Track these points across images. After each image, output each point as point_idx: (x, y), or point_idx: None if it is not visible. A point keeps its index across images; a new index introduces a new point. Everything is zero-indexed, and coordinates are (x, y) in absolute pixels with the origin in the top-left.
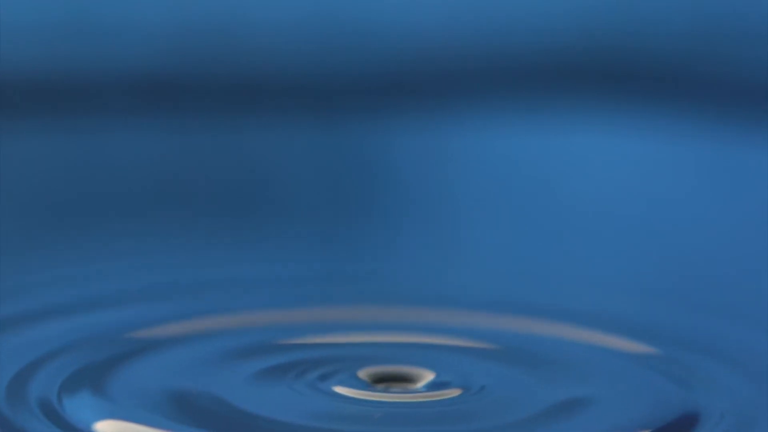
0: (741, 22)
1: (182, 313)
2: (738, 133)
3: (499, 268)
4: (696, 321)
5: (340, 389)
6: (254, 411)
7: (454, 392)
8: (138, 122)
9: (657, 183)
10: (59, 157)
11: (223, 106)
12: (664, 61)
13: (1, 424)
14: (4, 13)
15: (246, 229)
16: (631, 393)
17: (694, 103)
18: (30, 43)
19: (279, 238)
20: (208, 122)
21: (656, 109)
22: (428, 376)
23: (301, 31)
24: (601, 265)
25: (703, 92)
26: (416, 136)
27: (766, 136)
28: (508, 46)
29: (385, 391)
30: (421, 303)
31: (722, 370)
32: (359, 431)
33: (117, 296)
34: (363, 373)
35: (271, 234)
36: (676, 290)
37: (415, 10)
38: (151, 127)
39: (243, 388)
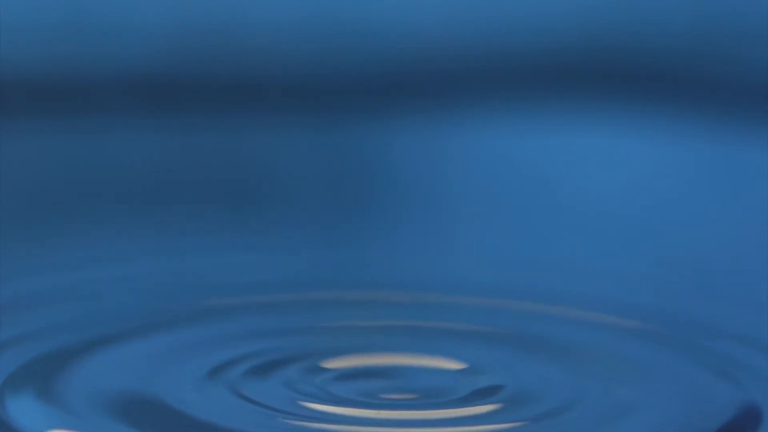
0: (741, 22)
1: (160, 303)
2: (738, 133)
3: (499, 267)
4: (709, 317)
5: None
6: (219, 422)
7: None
8: (138, 122)
9: (657, 183)
10: (59, 157)
11: (223, 106)
12: (664, 61)
13: None
14: (4, 13)
15: (244, 226)
16: (679, 390)
17: (694, 103)
18: (30, 43)
19: (276, 234)
20: (208, 122)
21: (656, 109)
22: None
23: (301, 31)
24: (601, 264)
25: (703, 92)
26: (416, 136)
27: (766, 136)
28: (508, 46)
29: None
30: (419, 298)
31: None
32: None
33: (92, 285)
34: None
35: (268, 230)
36: (676, 288)
37: (415, 10)
38: (151, 127)
39: (211, 390)
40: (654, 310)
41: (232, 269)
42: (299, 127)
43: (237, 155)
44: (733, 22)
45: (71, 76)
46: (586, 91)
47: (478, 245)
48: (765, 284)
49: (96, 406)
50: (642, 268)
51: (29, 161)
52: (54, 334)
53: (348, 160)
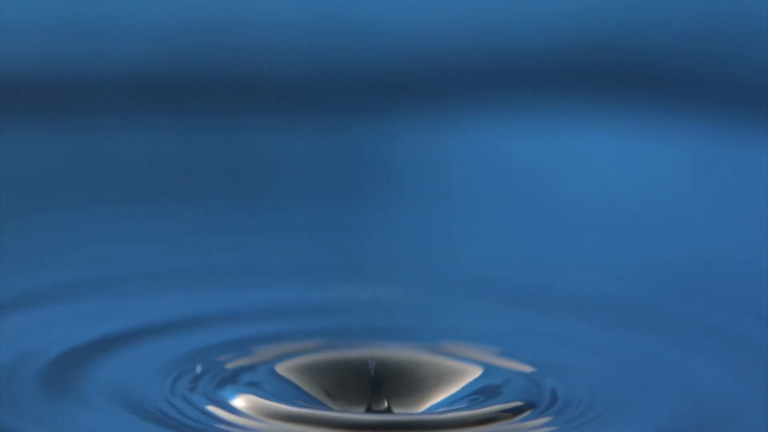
0: (741, 23)
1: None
2: (738, 133)
3: (498, 267)
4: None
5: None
6: None
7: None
8: (138, 122)
9: (657, 183)
10: (59, 156)
11: (223, 106)
12: (665, 62)
13: None
14: (4, 13)
15: (242, 224)
16: None
17: (694, 103)
18: (30, 43)
19: (274, 232)
20: (208, 122)
21: (656, 109)
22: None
23: (301, 31)
24: (601, 263)
25: (703, 92)
26: (416, 136)
27: (766, 136)
28: (508, 46)
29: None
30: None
31: None
32: None
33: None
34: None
35: (266, 227)
36: (676, 288)
37: (415, 10)
38: (151, 127)
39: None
40: (653, 310)
41: (218, 266)
42: (299, 127)
43: (237, 155)
44: (733, 23)
45: (71, 76)
46: (586, 91)
47: (477, 246)
48: (765, 283)
49: None
50: (639, 270)
51: (29, 161)
52: None
53: (348, 160)
